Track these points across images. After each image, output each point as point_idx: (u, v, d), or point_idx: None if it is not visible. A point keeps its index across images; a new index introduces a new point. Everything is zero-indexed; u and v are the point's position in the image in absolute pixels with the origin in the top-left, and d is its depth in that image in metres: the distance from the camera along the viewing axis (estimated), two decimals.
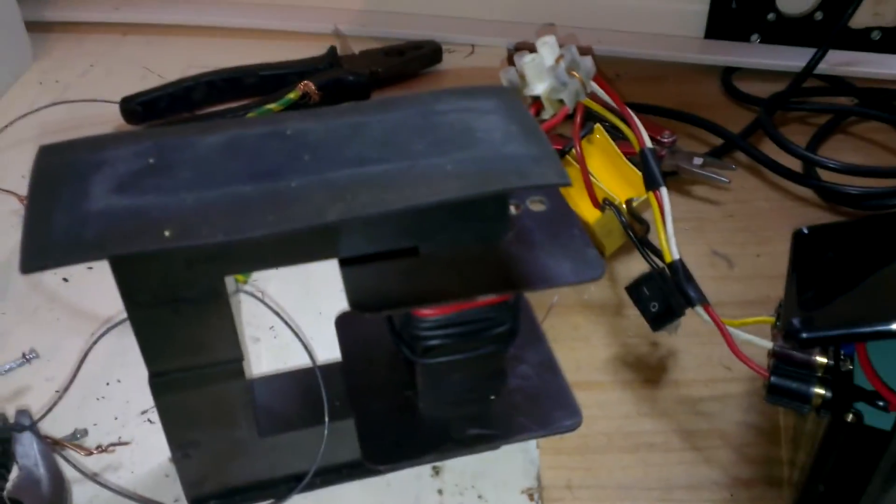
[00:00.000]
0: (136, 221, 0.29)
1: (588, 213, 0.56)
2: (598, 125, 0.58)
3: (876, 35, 0.77)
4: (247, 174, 0.31)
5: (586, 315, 0.54)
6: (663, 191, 0.47)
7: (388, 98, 0.36)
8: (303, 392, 0.40)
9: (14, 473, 0.37)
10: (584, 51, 0.48)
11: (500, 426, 0.39)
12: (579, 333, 0.53)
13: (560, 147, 0.58)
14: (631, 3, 0.81)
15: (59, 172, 0.31)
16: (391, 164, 0.32)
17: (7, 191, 0.58)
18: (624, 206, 0.54)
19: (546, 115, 0.47)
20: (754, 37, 0.79)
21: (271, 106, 0.63)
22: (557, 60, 0.47)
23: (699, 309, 0.45)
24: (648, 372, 0.50)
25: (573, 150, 0.55)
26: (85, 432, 0.42)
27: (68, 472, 0.40)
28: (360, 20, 0.82)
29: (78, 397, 0.44)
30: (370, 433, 0.38)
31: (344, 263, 0.34)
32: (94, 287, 0.51)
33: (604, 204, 0.55)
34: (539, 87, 0.46)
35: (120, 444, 0.42)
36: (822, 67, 0.73)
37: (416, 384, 0.39)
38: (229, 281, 0.34)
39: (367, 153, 0.32)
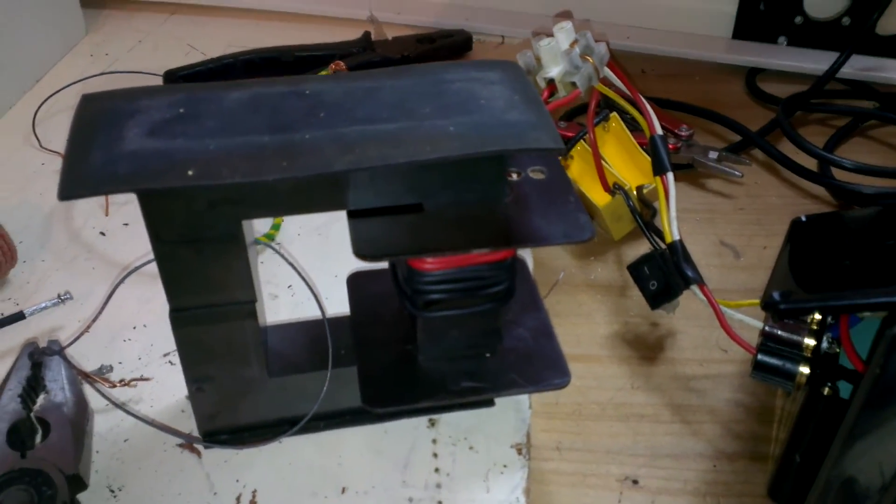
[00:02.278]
0: (163, 161, 0.32)
1: (599, 197, 0.58)
2: (614, 114, 0.60)
3: None
4: (266, 126, 0.34)
5: (591, 294, 0.56)
6: (669, 176, 0.49)
7: (402, 66, 0.39)
8: (312, 340, 0.43)
9: (41, 398, 0.41)
10: (598, 37, 0.50)
11: (493, 381, 0.41)
12: (582, 310, 0.55)
13: (574, 133, 0.60)
14: (661, 1, 0.83)
15: (97, 118, 0.34)
16: (399, 123, 0.34)
17: (54, 151, 0.62)
18: (634, 191, 0.56)
19: (559, 97, 0.50)
20: (781, 39, 0.80)
21: None
22: (572, 45, 0.49)
23: (694, 288, 0.47)
24: (646, 349, 0.52)
25: (587, 136, 0.57)
26: (110, 368, 0.45)
27: (92, 399, 0.43)
28: (395, 7, 0.84)
29: (106, 338, 0.48)
30: (371, 379, 0.41)
31: (352, 216, 0.36)
32: (128, 241, 0.55)
33: (614, 188, 0.57)
34: (553, 70, 0.49)
35: (142, 379, 0.45)
36: (846, 72, 0.74)
37: (417, 339, 0.41)
38: (247, 227, 0.37)
39: (377, 113, 0.35)
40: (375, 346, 0.43)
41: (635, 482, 0.45)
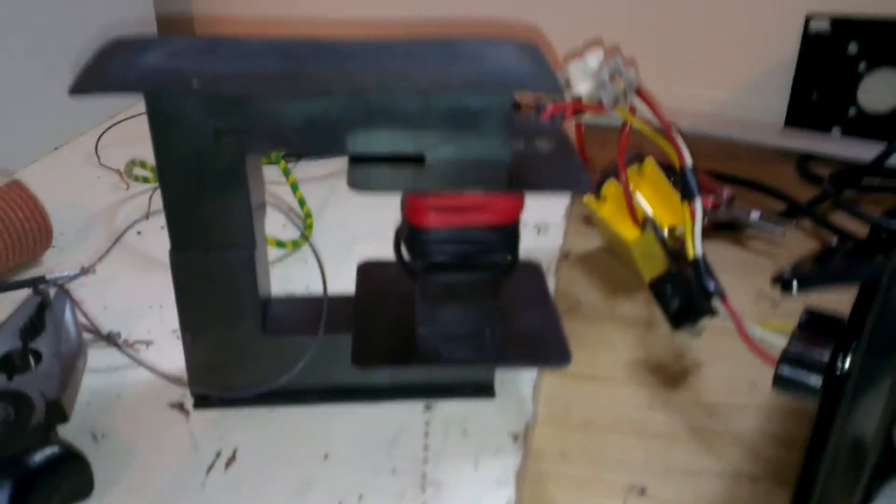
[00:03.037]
0: (172, 73, 0.34)
1: (629, 232, 0.57)
2: (649, 157, 0.60)
3: None
4: (277, 61, 0.36)
5: (615, 325, 0.54)
6: (697, 201, 0.49)
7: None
8: (312, 309, 0.42)
9: (42, 336, 0.41)
10: (628, 63, 0.51)
11: (491, 354, 0.40)
12: (604, 339, 0.53)
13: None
14: (709, 94, 0.84)
15: (121, 45, 0.37)
16: (404, 64, 0.36)
17: (111, 168, 0.65)
18: (666, 229, 0.56)
19: (584, 118, 0.50)
20: (835, 130, 0.80)
21: None
22: (601, 67, 0.50)
23: (716, 302, 0.45)
24: (669, 377, 0.49)
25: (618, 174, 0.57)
26: (118, 334, 0.46)
27: (92, 358, 0.43)
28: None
29: (120, 312, 0.49)
30: (364, 340, 0.40)
31: (354, 161, 0.37)
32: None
33: (644, 223, 0.56)
34: (582, 87, 0.50)
35: (144, 342, 0.45)
36: None
37: (416, 308, 0.40)
38: (254, 177, 0.38)
39: (385, 59, 0.36)
40: (374, 316, 0.42)
41: (643, 491, 0.41)
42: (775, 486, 0.42)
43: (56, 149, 0.71)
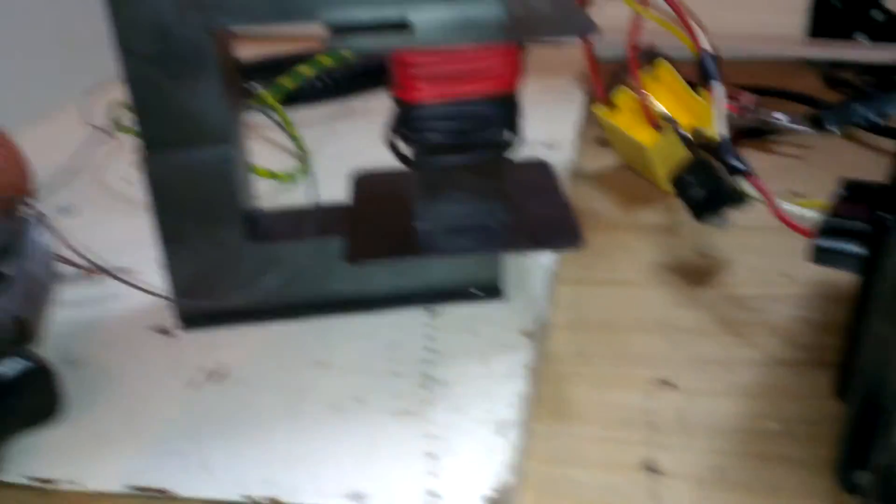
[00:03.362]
0: None
1: (646, 138, 0.53)
2: (662, 60, 0.56)
3: None
4: None
5: (635, 233, 0.50)
6: (717, 84, 0.45)
7: None
8: (304, 217, 0.40)
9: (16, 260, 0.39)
10: None
11: (494, 242, 0.36)
12: (623, 245, 0.49)
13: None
14: (733, 14, 0.80)
15: None
16: None
17: (100, 128, 0.63)
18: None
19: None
20: (860, 36, 0.75)
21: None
22: None
23: (744, 181, 0.42)
24: (695, 275, 0.46)
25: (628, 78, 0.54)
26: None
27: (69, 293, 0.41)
28: None
29: (103, 250, 0.46)
30: (359, 237, 0.37)
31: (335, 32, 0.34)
32: None
33: (662, 123, 0.52)
34: None
35: (125, 269, 0.42)
36: None
37: (414, 200, 0.37)
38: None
39: None
40: (370, 217, 0.39)
41: (669, 384, 0.38)
42: (817, 369, 0.38)
43: (44, 117, 0.70)
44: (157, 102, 0.35)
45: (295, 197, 0.52)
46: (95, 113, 0.65)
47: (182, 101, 0.35)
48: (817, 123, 0.32)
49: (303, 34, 0.34)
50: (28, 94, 0.68)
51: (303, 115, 0.66)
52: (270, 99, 0.60)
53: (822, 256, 0.36)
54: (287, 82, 0.61)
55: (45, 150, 0.55)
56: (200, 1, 0.33)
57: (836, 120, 0.32)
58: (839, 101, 0.34)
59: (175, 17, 0.33)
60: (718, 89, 0.45)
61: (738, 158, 0.42)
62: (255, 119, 0.49)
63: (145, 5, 0.33)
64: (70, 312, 0.41)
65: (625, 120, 0.56)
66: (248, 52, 0.73)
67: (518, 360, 0.36)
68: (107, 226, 0.50)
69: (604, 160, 0.60)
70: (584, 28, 0.32)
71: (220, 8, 0.33)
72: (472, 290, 0.40)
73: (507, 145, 0.36)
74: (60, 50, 0.72)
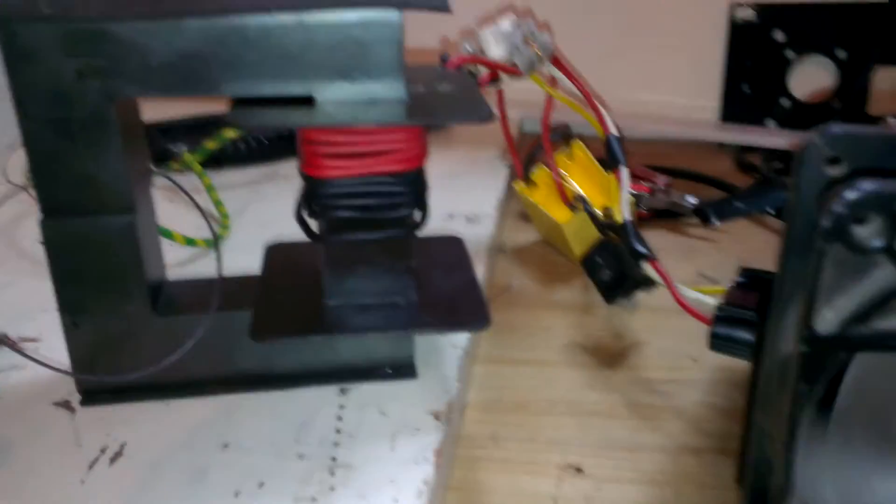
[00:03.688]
0: (26, 5, 0.31)
1: (561, 215, 0.54)
2: (577, 141, 0.58)
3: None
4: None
5: (551, 311, 0.51)
6: (623, 170, 0.47)
7: None
8: (211, 289, 0.39)
9: None
10: (541, 27, 0.49)
11: (403, 321, 0.36)
12: (540, 324, 0.50)
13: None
14: (645, 97, 0.83)
15: None
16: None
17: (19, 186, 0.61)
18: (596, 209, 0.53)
19: (503, 84, 0.48)
20: (770, 122, 0.79)
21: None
22: (514, 30, 0.48)
23: (646, 265, 0.43)
24: (607, 357, 0.46)
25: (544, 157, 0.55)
26: (4, 335, 0.42)
27: None
28: None
29: (9, 316, 0.44)
30: (265, 312, 0.36)
31: (236, 105, 0.34)
32: None
33: (574, 202, 0.53)
34: (495, 52, 0.47)
35: (30, 339, 0.41)
36: None
37: (322, 276, 0.37)
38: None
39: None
40: (280, 291, 0.39)
41: (579, 470, 0.38)
42: (720, 457, 0.38)
43: None
44: (55, 167, 0.34)
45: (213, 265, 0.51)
46: (14, 170, 0.63)
47: (82, 168, 0.34)
48: (702, 215, 0.34)
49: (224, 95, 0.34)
50: None
51: (227, 178, 0.65)
52: (192, 161, 0.59)
53: (716, 343, 0.36)
54: (211, 144, 0.60)
55: None
56: (100, 69, 0.32)
57: (718, 213, 0.33)
58: (721, 197, 0.35)
59: (74, 84, 0.32)
60: (624, 173, 0.47)
61: (642, 242, 0.43)
62: (177, 182, 0.48)
63: (43, 70, 0.32)
64: None
65: (542, 196, 0.57)
66: (175, 110, 0.73)
67: (427, 443, 0.35)
68: (17, 289, 0.48)
69: (525, 235, 0.61)
70: (482, 116, 0.33)
71: (120, 76, 0.32)
72: (385, 369, 0.39)
73: (414, 222, 0.37)
74: None
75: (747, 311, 0.36)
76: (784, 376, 0.26)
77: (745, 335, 0.35)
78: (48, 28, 0.31)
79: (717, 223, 0.34)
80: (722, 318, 0.36)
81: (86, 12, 0.31)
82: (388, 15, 0.32)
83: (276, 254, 0.42)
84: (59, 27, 0.31)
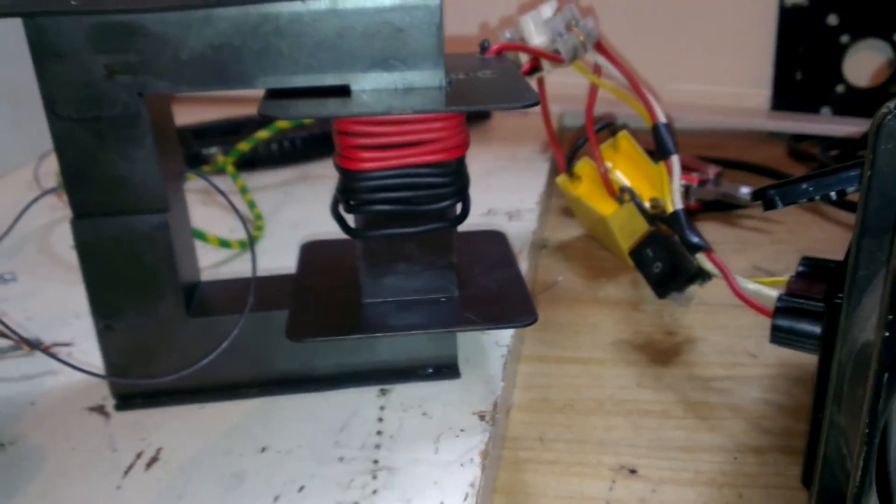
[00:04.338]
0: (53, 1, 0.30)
1: (607, 208, 0.52)
2: (623, 132, 0.56)
3: None
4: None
5: (598, 308, 0.49)
6: (674, 158, 0.45)
7: None
8: (246, 289, 0.38)
9: None
10: (585, 13, 0.47)
11: (444, 319, 0.35)
12: (587, 321, 0.48)
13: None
14: (693, 87, 0.80)
15: None
16: None
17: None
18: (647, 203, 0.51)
19: (544, 72, 0.46)
20: (825, 110, 0.76)
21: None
22: (555, 15, 0.46)
23: (701, 256, 0.41)
24: (659, 354, 0.44)
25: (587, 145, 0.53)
26: (38, 340, 0.41)
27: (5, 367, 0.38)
28: None
29: (44, 321, 0.44)
30: (301, 312, 0.35)
31: (270, 96, 0.32)
32: None
33: (620, 194, 0.51)
34: (537, 40, 0.46)
35: (63, 344, 0.40)
36: None
37: (359, 274, 0.36)
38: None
39: None
40: (316, 291, 0.37)
41: (633, 471, 0.36)
42: (784, 456, 0.36)
43: None
44: (86, 167, 0.33)
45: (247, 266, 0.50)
46: (48, 176, 0.63)
47: (113, 167, 0.33)
48: (764, 198, 0.31)
49: (257, 97, 0.33)
50: None
51: (260, 180, 0.64)
52: (226, 163, 0.58)
53: (779, 336, 0.34)
54: (244, 146, 0.60)
55: None
56: (130, 64, 0.31)
57: (783, 197, 0.31)
58: (788, 178, 0.33)
59: (104, 81, 0.31)
60: (675, 162, 0.45)
61: (696, 233, 0.41)
62: (211, 184, 0.47)
63: (72, 67, 0.31)
64: (5, 389, 0.38)
65: (586, 190, 0.55)
66: (208, 114, 0.72)
67: (472, 444, 0.34)
68: (50, 295, 0.47)
69: (568, 231, 0.59)
70: (528, 100, 0.31)
71: (151, 72, 0.31)
72: (426, 368, 0.38)
73: (455, 216, 0.35)
74: (13, 111, 0.70)
75: (813, 301, 0.34)
76: (861, 367, 0.24)
77: (810, 327, 0.33)
78: (76, 22, 0.31)
79: (781, 206, 0.32)
80: (784, 309, 0.34)
81: (114, 5, 0.30)
82: None
83: (312, 251, 0.41)
84: (86, 21, 0.31)
